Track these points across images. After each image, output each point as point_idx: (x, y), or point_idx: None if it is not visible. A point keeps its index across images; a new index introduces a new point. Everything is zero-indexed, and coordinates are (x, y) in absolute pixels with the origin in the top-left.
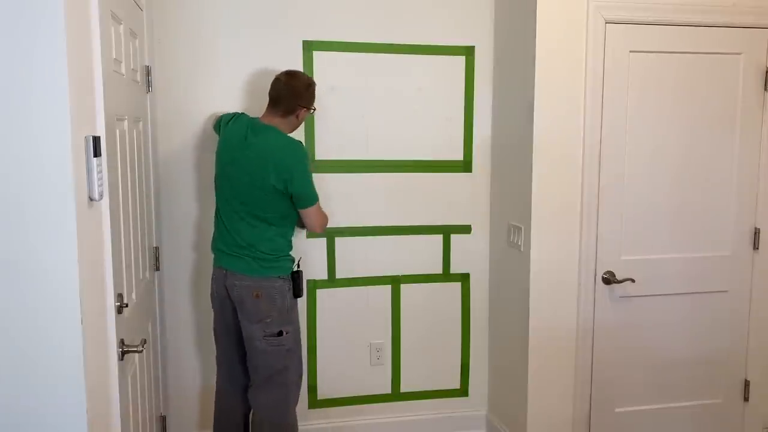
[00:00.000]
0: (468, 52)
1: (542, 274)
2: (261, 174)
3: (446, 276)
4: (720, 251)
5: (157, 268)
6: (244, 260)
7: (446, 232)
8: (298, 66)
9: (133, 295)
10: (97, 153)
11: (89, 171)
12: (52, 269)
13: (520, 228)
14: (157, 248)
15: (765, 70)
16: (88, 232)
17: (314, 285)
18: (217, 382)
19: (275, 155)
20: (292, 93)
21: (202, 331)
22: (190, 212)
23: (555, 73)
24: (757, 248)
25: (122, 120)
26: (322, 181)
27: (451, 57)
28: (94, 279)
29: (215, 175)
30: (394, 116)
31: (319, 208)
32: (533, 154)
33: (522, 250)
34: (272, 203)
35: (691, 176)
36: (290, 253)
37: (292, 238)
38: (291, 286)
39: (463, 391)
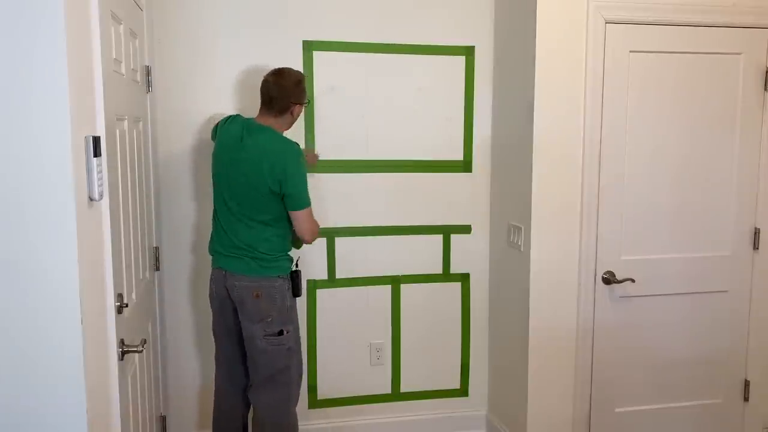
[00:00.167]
0: (468, 52)
1: (542, 274)
2: (257, 175)
3: (446, 276)
4: (720, 251)
5: (157, 268)
6: (243, 261)
7: (446, 232)
8: (297, 66)
9: (133, 295)
10: (97, 153)
11: (89, 171)
12: (52, 269)
13: (520, 228)
14: (157, 248)
15: (765, 70)
16: (88, 232)
17: (314, 285)
18: (216, 382)
19: (270, 156)
20: (283, 92)
21: (202, 331)
22: (190, 212)
23: (555, 73)
24: (757, 248)
25: (122, 120)
26: (322, 181)
27: (451, 57)
28: (94, 279)
29: (212, 176)
30: (394, 116)
31: (311, 214)
32: (533, 154)
33: (522, 250)
34: (268, 204)
35: (691, 176)
36: (289, 252)
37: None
38: (290, 286)
39: (463, 391)
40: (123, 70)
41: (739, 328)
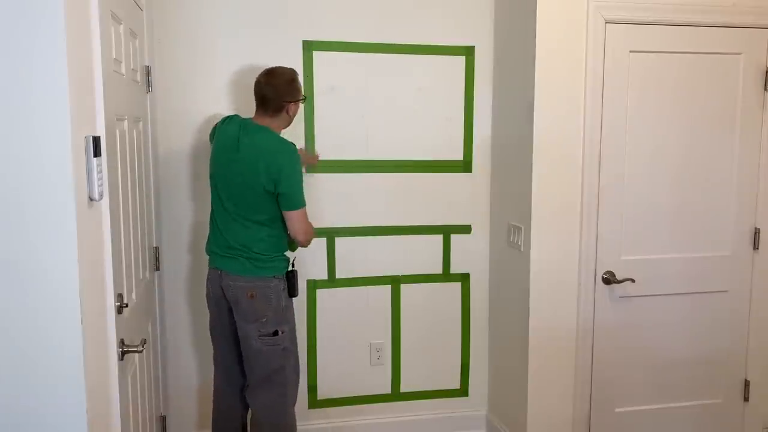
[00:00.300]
0: (468, 52)
1: (542, 274)
2: (252, 175)
3: (446, 276)
4: (720, 251)
5: (157, 268)
6: (238, 261)
7: (446, 232)
8: (297, 66)
9: (133, 295)
10: (97, 153)
11: (89, 171)
12: (52, 269)
13: (520, 228)
14: (157, 248)
15: (765, 70)
16: (88, 232)
17: (314, 285)
18: (214, 382)
19: (266, 156)
20: (276, 92)
21: (201, 331)
22: (190, 212)
23: (555, 73)
24: (757, 248)
25: (122, 120)
26: (322, 181)
27: (451, 57)
28: (94, 279)
29: (209, 176)
30: (394, 116)
31: (305, 215)
32: (533, 154)
33: (522, 250)
34: (264, 204)
35: (691, 176)
36: (285, 252)
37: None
38: (286, 286)
39: (463, 391)
40: (123, 70)
41: (739, 328)
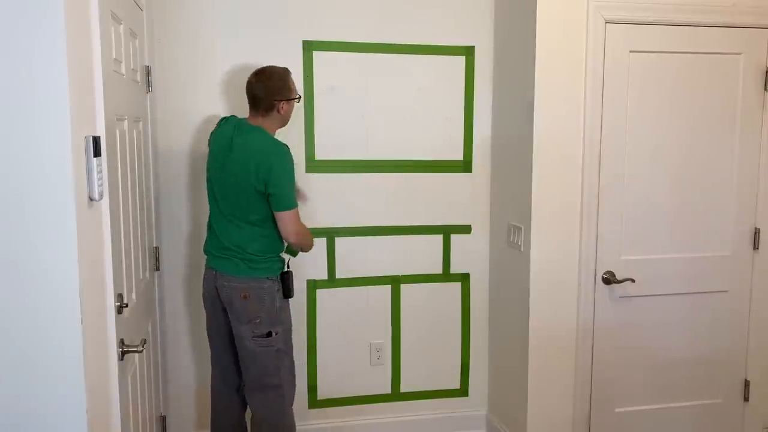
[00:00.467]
0: (468, 52)
1: (542, 274)
2: (244, 175)
3: (446, 276)
4: (720, 251)
5: (157, 268)
6: (232, 261)
7: (446, 232)
8: (297, 66)
9: (133, 295)
10: (97, 153)
11: (89, 171)
12: (52, 269)
13: (520, 228)
14: (157, 248)
15: (765, 70)
16: (88, 232)
17: (314, 285)
18: (211, 381)
19: (257, 156)
20: (265, 91)
21: (201, 331)
22: (190, 212)
23: (555, 73)
24: (757, 248)
25: (122, 120)
26: (322, 181)
27: (451, 57)
28: (94, 279)
29: (206, 177)
30: (394, 116)
31: (296, 216)
32: (533, 154)
33: (522, 250)
34: (256, 204)
35: (691, 176)
36: (280, 253)
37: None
38: (280, 287)
39: (463, 391)
40: (123, 70)
41: (739, 328)
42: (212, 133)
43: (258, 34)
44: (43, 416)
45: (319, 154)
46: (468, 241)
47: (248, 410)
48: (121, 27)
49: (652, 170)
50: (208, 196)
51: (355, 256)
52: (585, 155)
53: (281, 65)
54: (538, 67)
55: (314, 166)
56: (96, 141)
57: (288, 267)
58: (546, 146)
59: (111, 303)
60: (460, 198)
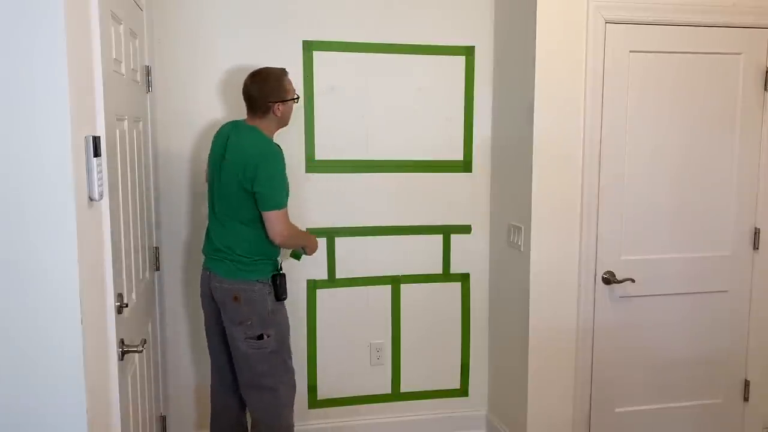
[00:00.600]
0: (468, 52)
1: (542, 274)
2: (235, 174)
3: (446, 276)
4: (720, 251)
5: (157, 268)
6: (223, 263)
7: (446, 232)
8: (297, 66)
9: (133, 295)
10: (97, 153)
11: (89, 171)
12: (52, 269)
13: (520, 228)
14: (157, 248)
15: (765, 70)
16: (88, 232)
17: (314, 285)
18: (211, 382)
19: (246, 155)
20: (260, 92)
21: (201, 331)
22: (190, 212)
23: (555, 73)
24: (757, 248)
25: (122, 120)
26: (322, 181)
27: (451, 57)
28: (94, 279)
29: (206, 179)
30: (394, 116)
31: (283, 216)
32: (533, 154)
33: (522, 250)
34: (245, 204)
35: (691, 176)
36: (274, 257)
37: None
38: (272, 290)
39: (463, 391)
40: (123, 70)
41: (739, 328)
42: (214, 135)
43: (258, 34)
44: (43, 416)
45: (319, 154)
46: (468, 241)
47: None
48: (121, 27)
49: (652, 170)
50: (207, 197)
51: (355, 256)
52: (585, 155)
53: (281, 65)
54: (538, 67)
55: (314, 166)
56: (96, 141)
57: (281, 270)
58: (546, 146)
59: (111, 303)
60: (460, 198)
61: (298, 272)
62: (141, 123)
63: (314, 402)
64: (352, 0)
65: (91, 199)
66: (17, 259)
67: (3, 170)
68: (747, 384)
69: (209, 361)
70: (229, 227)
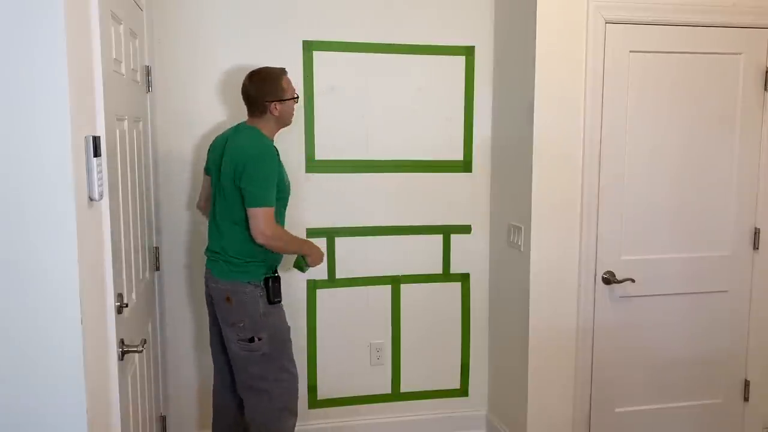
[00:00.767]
0: (468, 52)
1: (542, 274)
2: (230, 172)
3: (446, 276)
4: (720, 251)
5: (157, 268)
6: (218, 263)
7: (446, 232)
8: (297, 66)
9: (133, 295)
10: (97, 153)
11: (89, 171)
12: (52, 269)
13: (520, 228)
14: (157, 248)
15: (765, 70)
16: (88, 232)
17: (314, 285)
18: (213, 381)
19: (239, 152)
20: (257, 93)
21: (201, 331)
22: (190, 212)
23: (555, 73)
24: (757, 248)
25: (122, 120)
26: (322, 181)
27: (451, 57)
28: (94, 279)
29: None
30: (394, 116)
31: (268, 215)
32: (533, 154)
33: (522, 250)
34: (237, 202)
35: (691, 176)
36: (262, 258)
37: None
38: (264, 293)
39: (463, 391)
40: (123, 70)
41: (739, 328)
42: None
43: (258, 34)
44: (43, 416)
45: (319, 154)
46: (468, 241)
47: None
48: (121, 27)
49: (652, 170)
50: (211, 198)
51: (355, 256)
52: (585, 155)
53: (281, 65)
54: (538, 67)
55: (314, 166)
56: (96, 141)
57: (276, 272)
58: (546, 146)
59: (111, 303)
60: (460, 198)
61: (298, 272)
62: (141, 123)
63: (314, 402)
64: (352, 0)
65: (91, 199)
66: (17, 259)
67: (3, 170)
68: (747, 384)
69: (209, 360)
70: (223, 228)
